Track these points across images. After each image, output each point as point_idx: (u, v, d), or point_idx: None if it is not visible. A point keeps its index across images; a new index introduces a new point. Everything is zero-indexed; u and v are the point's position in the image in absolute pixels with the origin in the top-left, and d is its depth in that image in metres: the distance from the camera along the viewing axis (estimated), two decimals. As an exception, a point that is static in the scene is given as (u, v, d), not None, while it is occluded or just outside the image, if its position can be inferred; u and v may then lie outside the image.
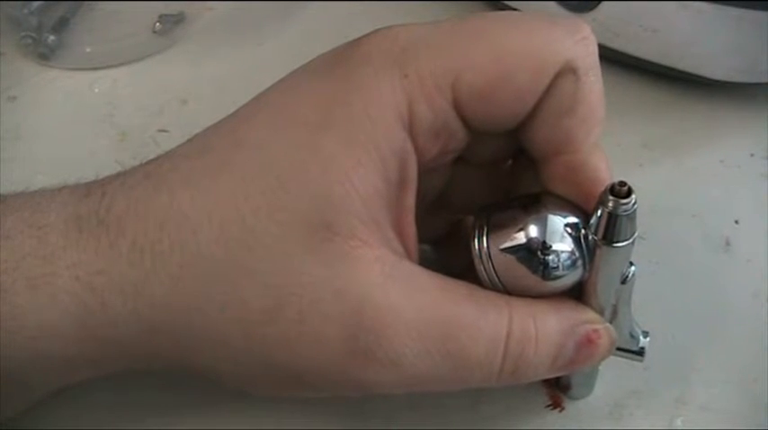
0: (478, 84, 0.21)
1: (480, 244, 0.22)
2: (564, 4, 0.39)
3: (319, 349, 0.21)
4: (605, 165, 0.22)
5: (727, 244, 0.34)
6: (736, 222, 0.35)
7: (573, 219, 0.22)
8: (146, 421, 0.27)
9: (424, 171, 0.23)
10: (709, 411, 0.28)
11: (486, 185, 0.26)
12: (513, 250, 0.22)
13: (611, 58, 0.40)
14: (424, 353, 0.21)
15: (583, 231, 0.22)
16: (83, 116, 0.38)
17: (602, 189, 0.21)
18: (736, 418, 0.28)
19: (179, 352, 0.22)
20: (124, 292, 0.21)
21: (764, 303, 0.32)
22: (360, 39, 0.22)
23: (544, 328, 0.22)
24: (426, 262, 0.23)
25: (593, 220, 0.22)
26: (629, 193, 0.21)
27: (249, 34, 0.43)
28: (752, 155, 0.38)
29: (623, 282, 0.23)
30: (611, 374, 0.28)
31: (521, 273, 0.22)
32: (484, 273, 0.22)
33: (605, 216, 0.21)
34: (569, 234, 0.22)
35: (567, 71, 0.21)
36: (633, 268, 0.23)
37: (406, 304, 0.21)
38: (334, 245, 0.20)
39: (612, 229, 0.21)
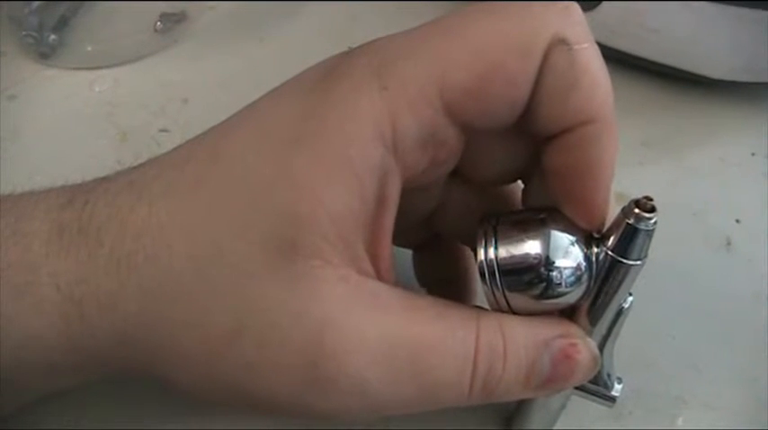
0: (466, 82, 0.20)
1: (486, 254, 0.21)
2: (565, 4, 0.39)
3: (278, 376, 0.20)
4: (614, 151, 0.21)
5: (728, 243, 0.34)
6: (737, 221, 0.35)
7: (578, 236, 0.21)
8: (145, 421, 0.27)
9: (415, 188, 0.22)
10: (710, 410, 0.28)
11: (478, 214, 0.25)
12: (517, 264, 0.21)
13: (612, 58, 0.40)
14: (390, 378, 0.20)
15: (590, 249, 0.21)
16: (83, 115, 0.38)
17: (606, 180, 0.21)
18: (737, 417, 0.28)
19: (149, 364, 0.22)
20: (101, 303, 0.21)
21: (765, 302, 0.32)
22: (342, 54, 0.22)
23: (513, 343, 0.21)
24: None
25: (608, 232, 0.21)
26: (653, 209, 0.20)
27: (250, 33, 0.43)
28: (753, 154, 0.38)
29: (618, 312, 0.22)
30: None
31: (524, 288, 0.21)
32: (488, 285, 0.21)
33: (625, 228, 0.20)
34: (575, 250, 0.21)
35: (557, 44, 0.20)
36: (631, 299, 0.22)
37: (370, 326, 0.20)
38: (296, 265, 0.20)
39: (628, 244, 0.21)
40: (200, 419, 0.27)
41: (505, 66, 0.20)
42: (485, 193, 0.26)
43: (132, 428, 0.27)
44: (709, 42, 0.38)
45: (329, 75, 0.21)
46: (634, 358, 0.29)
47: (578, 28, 0.20)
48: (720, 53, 0.38)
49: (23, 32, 0.40)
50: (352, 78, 0.20)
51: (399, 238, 0.24)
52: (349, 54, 0.22)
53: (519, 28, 0.20)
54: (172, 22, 0.42)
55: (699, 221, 0.34)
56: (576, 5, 0.21)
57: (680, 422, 0.28)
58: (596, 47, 0.21)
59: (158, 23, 0.42)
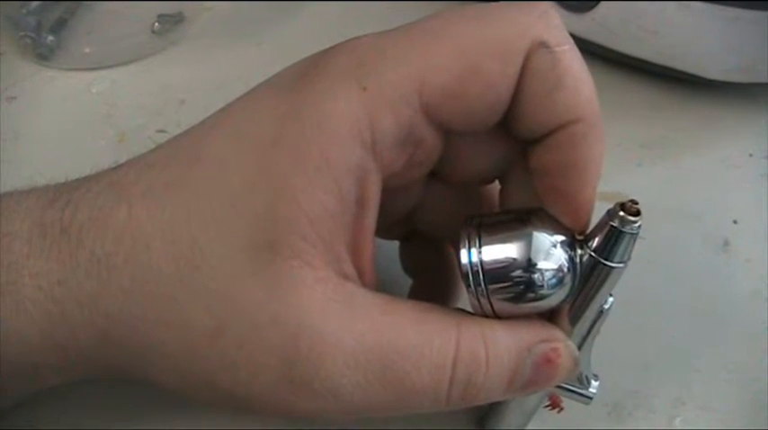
0: (446, 82, 0.20)
1: (470, 257, 0.21)
2: (562, 4, 0.39)
3: (255, 376, 0.20)
4: (601, 154, 0.21)
5: (726, 244, 0.34)
6: (735, 222, 0.35)
7: (561, 237, 0.21)
8: (143, 421, 0.27)
9: (393, 189, 0.22)
10: (708, 411, 0.28)
11: (457, 212, 0.25)
12: (501, 267, 0.21)
13: (610, 58, 0.40)
14: (364, 383, 0.20)
15: (574, 251, 0.21)
16: (81, 116, 0.38)
17: (591, 185, 0.21)
18: (735, 418, 0.28)
19: (131, 364, 0.22)
20: (81, 303, 0.21)
21: (763, 303, 0.32)
22: (321, 53, 0.22)
23: (496, 351, 0.21)
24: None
25: (592, 234, 0.21)
26: (638, 213, 0.20)
27: (248, 34, 0.43)
28: (750, 155, 0.38)
29: (599, 313, 0.22)
30: (611, 374, 0.28)
31: (507, 291, 0.21)
32: (472, 288, 0.21)
33: (609, 230, 0.20)
34: (558, 252, 0.21)
35: (538, 47, 0.20)
36: (612, 300, 0.22)
37: (346, 330, 0.20)
38: (275, 266, 0.20)
39: (612, 246, 0.20)
40: (200, 420, 0.27)
41: (485, 68, 0.20)
42: (464, 193, 0.26)
43: (132, 428, 0.27)
44: (707, 43, 0.38)
45: (306, 74, 0.21)
46: (632, 359, 0.29)
47: (557, 31, 0.21)
48: (718, 54, 0.38)
49: (21, 33, 0.40)
50: (329, 78, 0.20)
51: (381, 233, 0.24)
52: (325, 53, 0.22)
53: (499, 32, 0.20)
54: (169, 24, 0.42)
55: (697, 222, 0.34)
56: (553, 11, 0.21)
57: (678, 422, 0.28)
58: (576, 49, 0.21)
59: (156, 25, 0.42)
